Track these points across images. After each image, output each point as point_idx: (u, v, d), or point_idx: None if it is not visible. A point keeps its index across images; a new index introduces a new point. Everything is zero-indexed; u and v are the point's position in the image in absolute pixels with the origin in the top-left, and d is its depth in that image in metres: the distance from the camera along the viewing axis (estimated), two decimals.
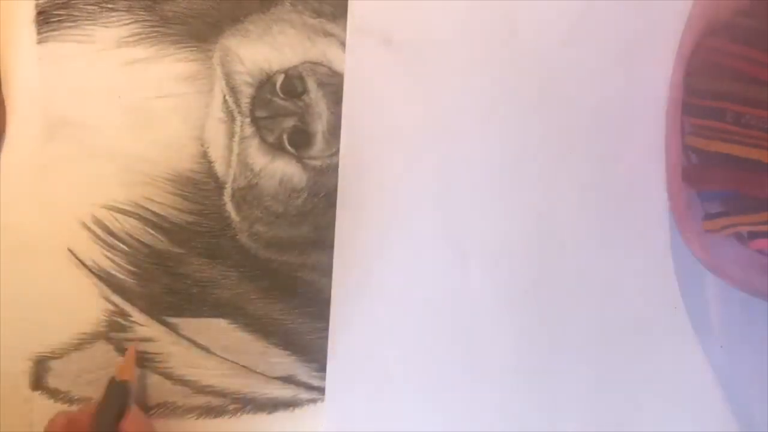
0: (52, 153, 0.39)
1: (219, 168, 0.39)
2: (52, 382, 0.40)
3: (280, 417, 0.40)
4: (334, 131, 0.39)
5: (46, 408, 0.39)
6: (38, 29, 0.38)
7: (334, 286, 0.40)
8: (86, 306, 0.39)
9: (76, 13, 0.39)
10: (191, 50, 0.39)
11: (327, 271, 0.40)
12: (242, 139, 0.39)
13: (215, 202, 0.39)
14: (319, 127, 0.39)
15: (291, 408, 0.40)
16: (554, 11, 0.40)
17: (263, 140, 0.39)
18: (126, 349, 0.39)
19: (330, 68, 0.39)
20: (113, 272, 0.39)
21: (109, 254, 0.39)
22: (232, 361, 0.40)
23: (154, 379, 0.40)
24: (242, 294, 0.40)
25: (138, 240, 0.39)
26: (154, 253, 0.40)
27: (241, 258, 0.40)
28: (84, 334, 0.39)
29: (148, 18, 0.38)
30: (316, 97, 0.39)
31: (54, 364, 0.39)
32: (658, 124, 0.40)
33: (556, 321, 0.41)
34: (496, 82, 0.40)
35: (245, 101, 0.39)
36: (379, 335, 0.40)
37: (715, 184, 0.37)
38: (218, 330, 0.40)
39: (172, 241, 0.39)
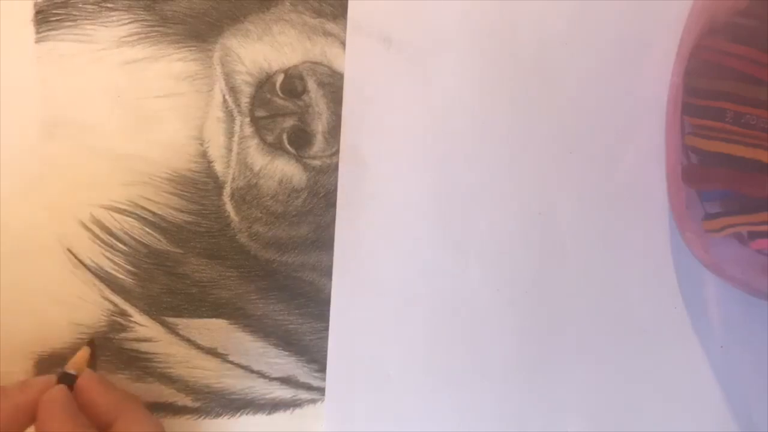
0: (50, 152, 0.39)
1: (218, 168, 0.39)
2: None
3: (280, 417, 0.40)
4: (334, 131, 0.39)
5: None
6: (37, 28, 0.38)
7: (334, 286, 0.40)
8: (86, 306, 0.39)
9: (75, 13, 0.38)
10: (191, 50, 0.39)
11: (327, 271, 0.40)
12: (242, 138, 0.39)
13: (214, 201, 0.39)
14: (319, 126, 0.39)
15: (291, 408, 0.40)
16: (554, 11, 0.40)
17: (263, 140, 0.39)
18: (125, 349, 0.39)
19: (330, 68, 0.39)
20: (112, 272, 0.39)
21: (108, 254, 0.39)
22: (232, 361, 0.40)
23: (153, 380, 0.40)
24: (242, 294, 0.40)
25: (137, 240, 0.39)
26: (153, 252, 0.39)
27: (240, 258, 0.40)
28: (84, 334, 0.39)
29: (148, 18, 0.38)
30: (316, 96, 0.39)
31: (54, 364, 0.39)
32: (658, 124, 0.40)
33: (556, 321, 0.41)
34: (496, 82, 0.40)
35: (245, 101, 0.39)
36: (379, 335, 0.40)
37: (715, 184, 0.37)
38: (218, 330, 0.40)
39: (171, 241, 0.39)
